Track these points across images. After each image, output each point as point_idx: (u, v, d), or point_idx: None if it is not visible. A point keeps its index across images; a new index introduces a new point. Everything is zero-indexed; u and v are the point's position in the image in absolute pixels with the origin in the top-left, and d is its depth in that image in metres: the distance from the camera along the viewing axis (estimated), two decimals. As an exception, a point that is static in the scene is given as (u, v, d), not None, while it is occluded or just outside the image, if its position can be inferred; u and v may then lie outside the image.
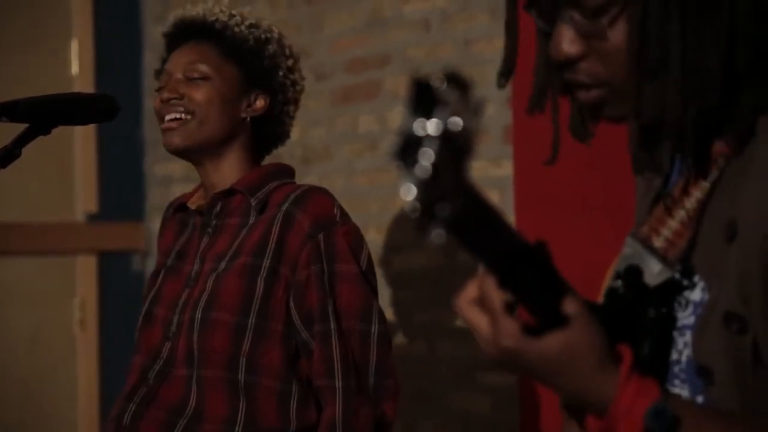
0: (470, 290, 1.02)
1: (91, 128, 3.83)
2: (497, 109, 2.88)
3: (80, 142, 3.87)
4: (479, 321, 1.01)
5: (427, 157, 0.84)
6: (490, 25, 2.96)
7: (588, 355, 1.00)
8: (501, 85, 1.15)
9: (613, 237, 2.40)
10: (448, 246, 3.12)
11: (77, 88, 3.74)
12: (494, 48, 2.94)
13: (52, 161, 3.81)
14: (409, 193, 0.85)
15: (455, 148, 0.84)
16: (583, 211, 2.66)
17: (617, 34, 1.05)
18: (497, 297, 0.99)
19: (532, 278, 0.97)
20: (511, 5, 1.15)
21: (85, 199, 3.88)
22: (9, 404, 3.70)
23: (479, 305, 1.01)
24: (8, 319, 3.72)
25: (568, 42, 1.07)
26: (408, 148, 0.84)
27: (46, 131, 1.73)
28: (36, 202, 3.80)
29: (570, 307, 1.00)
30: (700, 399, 1.08)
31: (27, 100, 1.70)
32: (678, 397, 1.07)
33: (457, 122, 0.84)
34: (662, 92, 1.04)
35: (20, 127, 1.73)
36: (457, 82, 0.85)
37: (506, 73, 1.15)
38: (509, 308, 0.99)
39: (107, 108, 1.83)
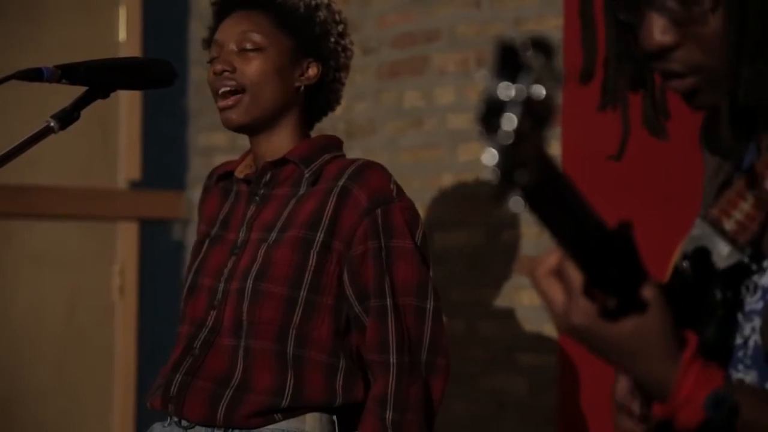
0: (551, 259, 1.01)
1: (136, 96, 3.83)
2: (546, 89, 2.86)
3: (125, 109, 3.88)
4: (555, 293, 1.01)
5: (509, 123, 0.83)
6: (540, 4, 2.93)
7: (658, 341, 1.00)
8: (583, 84, 1.13)
9: (660, 218, 2.39)
10: (489, 224, 3.12)
11: (124, 54, 3.74)
12: (544, 27, 2.91)
13: (96, 127, 3.82)
14: (490, 158, 0.84)
15: (537, 116, 0.83)
16: (631, 192, 2.64)
17: (717, 19, 1.04)
18: (578, 274, 0.98)
19: (609, 259, 0.96)
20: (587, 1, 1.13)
21: (128, 166, 3.89)
22: (46, 369, 3.72)
23: (556, 277, 1.00)
24: (47, 283, 3.73)
25: (660, 31, 1.06)
26: (491, 112, 0.83)
27: (105, 95, 1.73)
28: (79, 167, 3.81)
29: (648, 292, 0.99)
30: (768, 385, 1.07)
31: (87, 63, 1.70)
32: (740, 384, 1.06)
33: (540, 89, 0.83)
34: (762, 75, 1.02)
35: (74, 91, 1.74)
36: (543, 47, 0.84)
37: (588, 73, 1.13)
38: (588, 287, 0.98)
39: (165, 73, 1.83)
